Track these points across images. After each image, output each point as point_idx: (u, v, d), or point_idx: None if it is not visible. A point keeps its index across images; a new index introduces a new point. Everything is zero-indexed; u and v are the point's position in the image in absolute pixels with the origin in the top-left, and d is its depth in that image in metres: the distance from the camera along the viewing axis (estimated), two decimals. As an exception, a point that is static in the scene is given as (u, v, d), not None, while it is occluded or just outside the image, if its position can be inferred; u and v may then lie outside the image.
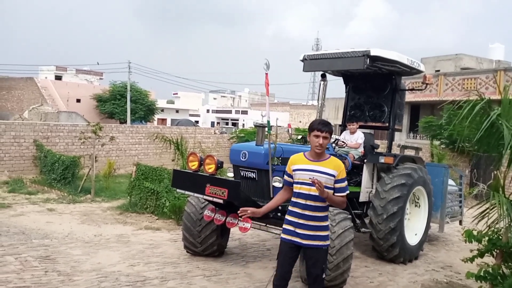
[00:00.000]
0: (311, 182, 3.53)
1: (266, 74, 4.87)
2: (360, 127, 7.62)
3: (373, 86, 7.48)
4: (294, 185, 3.71)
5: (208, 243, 5.86)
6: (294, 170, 3.71)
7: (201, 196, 4.93)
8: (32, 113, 28.22)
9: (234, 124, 47.82)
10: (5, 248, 5.87)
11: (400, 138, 25.35)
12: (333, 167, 3.66)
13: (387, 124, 7.29)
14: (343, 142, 7.08)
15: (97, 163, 12.17)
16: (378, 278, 5.82)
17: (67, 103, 34.93)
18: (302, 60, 6.95)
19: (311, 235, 3.64)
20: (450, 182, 8.21)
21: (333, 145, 6.86)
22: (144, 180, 8.87)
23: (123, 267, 5.48)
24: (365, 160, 6.81)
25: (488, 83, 20.61)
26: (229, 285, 5.11)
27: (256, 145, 5.41)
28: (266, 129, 5.17)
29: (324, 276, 3.78)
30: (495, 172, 4.90)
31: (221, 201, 4.72)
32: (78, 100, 36.57)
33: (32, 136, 12.84)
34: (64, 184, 10.95)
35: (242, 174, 5.58)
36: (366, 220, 6.53)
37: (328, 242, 3.77)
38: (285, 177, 3.85)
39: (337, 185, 3.66)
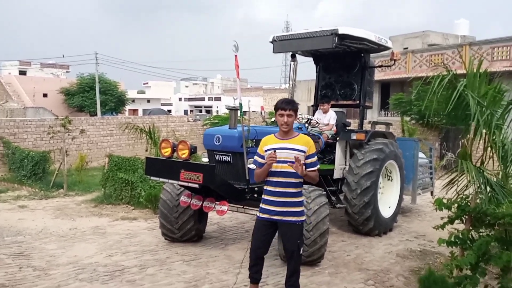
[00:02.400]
0: (282, 160, 3.69)
1: (236, 56, 4.82)
2: (332, 106, 7.71)
3: (342, 65, 7.54)
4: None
5: (186, 229, 5.85)
6: (266, 151, 3.82)
7: (176, 182, 4.90)
8: (-4, 110, 27.19)
9: (208, 112, 47.46)
10: (-24, 248, 5.71)
11: (372, 116, 25.77)
12: (303, 143, 3.81)
13: (358, 102, 7.39)
14: (316, 122, 7.14)
15: (68, 157, 11.90)
16: (355, 251, 5.96)
17: (33, 98, 33.83)
18: (271, 42, 6.94)
19: (284, 211, 3.78)
20: (421, 155, 8.43)
21: (306, 125, 6.91)
22: (117, 171, 8.74)
23: (101, 258, 5.42)
24: (338, 138, 6.89)
25: (455, 58, 21.12)
26: (209, 268, 5.13)
27: (229, 128, 5.39)
28: (239, 112, 5.14)
29: (301, 252, 3.90)
30: (462, 141, 5.06)
31: (196, 185, 4.70)
32: (45, 95, 35.46)
33: (-2, 133, 12.41)
34: (35, 180, 10.67)
35: (216, 158, 5.56)
36: (341, 196, 6.65)
37: (302, 218, 3.89)
38: (257, 158, 3.94)
39: (308, 160, 3.82)
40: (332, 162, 6.90)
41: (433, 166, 8.99)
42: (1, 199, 9.20)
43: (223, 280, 4.73)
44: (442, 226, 4.52)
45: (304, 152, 3.78)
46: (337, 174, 6.76)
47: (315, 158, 3.87)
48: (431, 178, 8.79)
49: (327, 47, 6.51)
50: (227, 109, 5.40)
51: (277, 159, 3.70)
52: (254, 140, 5.40)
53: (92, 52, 36.16)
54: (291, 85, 6.46)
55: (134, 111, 45.59)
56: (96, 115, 31.25)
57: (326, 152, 7.22)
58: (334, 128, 7.37)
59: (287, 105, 3.79)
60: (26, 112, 26.47)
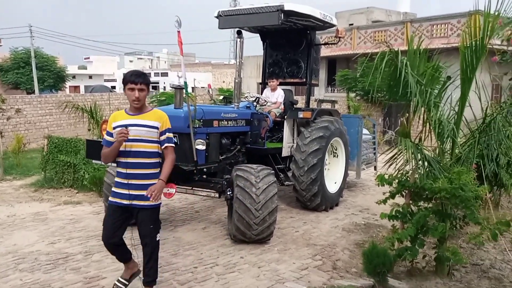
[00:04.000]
0: (132, 139, 3.46)
1: (178, 32, 4.64)
2: (280, 84, 7.73)
3: (289, 42, 7.55)
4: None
5: (133, 212, 5.70)
6: (115, 128, 3.50)
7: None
8: None
9: (154, 88, 46.16)
10: None
11: (319, 92, 26.24)
12: (155, 119, 3.56)
13: (304, 80, 7.46)
14: (264, 100, 7.14)
15: (4, 139, 11.16)
16: (303, 227, 6.13)
17: (-39, 74, 31.16)
18: (216, 17, 6.77)
19: (138, 195, 3.52)
20: (364, 131, 8.72)
21: (254, 103, 6.89)
22: (58, 153, 8.30)
23: (42, 246, 5.18)
24: (286, 117, 6.95)
25: (397, 35, 21.79)
26: (158, 251, 5.05)
27: (174, 108, 5.24)
28: (184, 90, 5.00)
29: (157, 238, 3.66)
30: (402, 119, 5.26)
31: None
32: (-25, 71, 32.74)
33: None
34: (-34, 165, 9.92)
35: (162, 139, 5.40)
36: (289, 174, 6.76)
37: (158, 202, 3.58)
38: (106, 136, 3.59)
39: (162, 137, 3.58)
40: (281, 140, 6.97)
41: (376, 142, 9.35)
42: None
43: (172, 263, 4.69)
44: (384, 201, 4.74)
45: (157, 128, 3.53)
46: (285, 152, 6.85)
47: (170, 134, 3.63)
48: (374, 154, 9.15)
49: (272, 24, 6.47)
50: (172, 87, 5.23)
51: (133, 137, 3.45)
52: (201, 120, 5.31)
53: (26, 24, 33.51)
54: (238, 63, 6.37)
55: (76, 88, 43.38)
56: (33, 92, 29.41)
57: (274, 130, 7.27)
58: (282, 106, 7.42)
59: (138, 78, 3.46)
60: (-47, 90, 24.43)
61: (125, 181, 3.53)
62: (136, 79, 3.45)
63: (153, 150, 3.56)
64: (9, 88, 31.53)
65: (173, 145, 3.67)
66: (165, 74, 51.90)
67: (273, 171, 5.41)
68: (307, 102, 7.59)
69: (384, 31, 22.55)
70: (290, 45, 7.56)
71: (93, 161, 5.19)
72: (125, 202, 3.56)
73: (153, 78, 53.04)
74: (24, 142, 11.08)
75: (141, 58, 71.75)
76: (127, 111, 3.60)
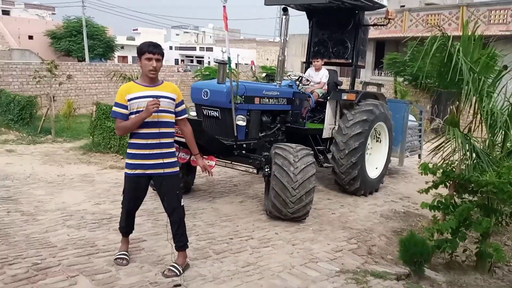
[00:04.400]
0: (161, 109, 3.46)
1: (224, 7, 4.65)
2: (324, 64, 7.60)
3: (336, 21, 7.35)
4: (133, 116, 3.51)
5: (174, 181, 5.87)
6: (130, 100, 3.48)
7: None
8: (-20, 50, 26.31)
9: (199, 62, 46.62)
10: (-38, 191, 5.70)
11: (365, 75, 25.57)
12: (172, 90, 3.63)
13: (350, 61, 7.29)
14: (307, 79, 7.06)
15: (56, 103, 11.68)
16: (340, 210, 6.11)
17: (18, 40, 32.68)
18: (264, -7, 6.68)
19: (159, 164, 3.59)
20: (411, 117, 8.48)
21: (297, 82, 6.83)
22: (105, 120, 8.63)
23: (89, 206, 5.47)
24: (328, 98, 6.85)
25: (451, 19, 20.76)
26: (196, 219, 5.21)
27: (217, 83, 5.29)
28: (228, 66, 5.03)
29: (182, 203, 3.77)
30: (451, 107, 5.06)
31: (183, 140, 4.68)
32: (31, 37, 34.27)
33: (-18, 75, 12.07)
34: (22, 125, 10.54)
35: (204, 113, 5.51)
36: (329, 156, 6.71)
37: (177, 169, 3.74)
38: (118, 109, 3.51)
39: (179, 108, 3.68)
40: (322, 121, 6.90)
41: (422, 129, 9.07)
42: (-12, 143, 9.10)
43: (209, 233, 4.83)
44: (426, 191, 4.63)
45: (174, 99, 3.61)
46: (326, 134, 6.78)
47: (184, 106, 3.74)
48: (419, 141, 8.89)
49: (320, 2, 6.33)
50: (216, 62, 5.27)
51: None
52: (243, 96, 5.34)
53: (79, -7, 34.42)
54: (282, 40, 6.29)
55: (124, 58, 44.56)
56: (84, 60, 30.46)
57: (316, 111, 7.20)
58: (326, 87, 7.31)
59: (155, 49, 3.47)
60: (12, 54, 25.70)
61: (147, 152, 3.55)
62: (154, 49, 3.47)
63: (173, 121, 3.67)
64: (61, 55, 32.81)
65: (186, 116, 3.82)
66: (210, 49, 52.11)
67: (312, 152, 5.39)
68: (352, 84, 7.43)
69: (438, 14, 21.53)
70: (337, 25, 7.37)
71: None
72: (149, 171, 3.60)
73: (198, 53, 53.56)
74: (74, 107, 11.60)
75: (187, 32, 72.23)
76: (140, 83, 3.58)
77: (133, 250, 4.18)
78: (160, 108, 3.47)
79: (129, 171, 3.65)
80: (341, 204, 6.36)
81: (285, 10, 6.35)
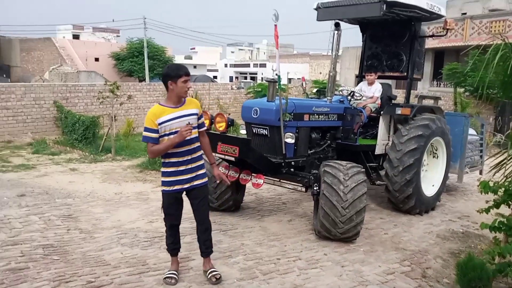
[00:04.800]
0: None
1: (275, 26, 4.70)
2: (378, 77, 7.42)
3: (391, 33, 7.17)
4: (166, 137, 3.71)
5: (224, 199, 5.95)
6: (160, 123, 3.68)
7: (213, 154, 4.95)
8: (52, 73, 28.50)
9: (253, 78, 47.32)
10: (29, 208, 6.12)
11: (423, 86, 24.63)
12: (195, 106, 3.87)
13: (405, 74, 7.05)
14: (359, 94, 6.91)
15: (117, 122, 12.34)
16: (393, 230, 5.85)
17: (85, 62, 35.09)
18: (315, 9, 6.67)
19: (194, 177, 3.88)
20: (471, 131, 8.01)
21: (349, 97, 6.71)
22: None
23: (142, 224, 5.66)
24: (382, 112, 6.65)
25: (518, 25, 19.52)
26: (244, 238, 5.22)
27: (267, 101, 5.32)
28: (277, 84, 5.06)
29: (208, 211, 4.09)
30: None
31: (232, 158, 4.75)
32: (97, 59, 36.67)
33: (52, 97, 13.02)
34: (85, 144, 11.19)
35: (254, 131, 5.54)
36: (382, 173, 6.48)
37: (207, 178, 4.04)
38: (149, 134, 3.69)
39: (200, 121, 3.92)
40: (375, 137, 6.70)
41: (484, 143, 8.52)
42: (55, 161, 9.75)
43: (257, 252, 4.81)
44: (487, 210, 4.30)
45: (197, 114, 3.85)
46: (379, 150, 6.57)
47: (203, 119, 4.00)
48: (481, 156, 8.35)
49: (374, 15, 6.19)
50: (266, 81, 5.32)
51: (178, 128, 3.67)
52: (292, 114, 5.32)
53: (141, 16, 36.52)
54: (334, 55, 6.22)
55: (181, 77, 46.18)
56: (144, 80, 32.04)
57: (369, 126, 7.01)
58: (379, 101, 7.11)
59: (188, 70, 3.78)
60: (79, 76, 27.54)
61: (183, 168, 3.82)
62: (188, 72, 3.75)
63: (197, 135, 3.93)
64: (124, 76, 34.79)
65: (206, 128, 4.09)
66: (263, 65, 52.84)
67: (363, 169, 5.23)
68: (407, 98, 7.17)
69: (503, 21, 20.34)
70: (392, 37, 7.18)
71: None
72: (186, 186, 3.87)
73: (252, 69, 54.46)
74: (133, 126, 12.17)
75: (242, 49, 73.88)
76: (167, 105, 3.77)
77: (182, 269, 4.26)
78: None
79: (167, 188, 3.89)
80: (395, 223, 6.09)
81: (337, 26, 6.29)
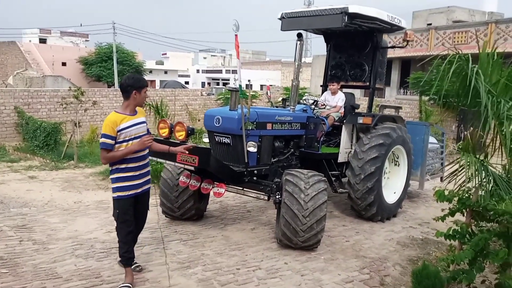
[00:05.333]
0: (139, 136, 3.94)
1: (236, 35, 4.70)
2: (342, 87, 7.51)
3: (354, 44, 7.29)
4: (124, 143, 3.89)
5: (186, 208, 5.86)
6: (120, 130, 3.86)
7: (173, 163, 4.87)
8: (16, 78, 27.55)
9: (225, 84, 47.23)
10: (-19, 219, 5.85)
11: (391, 94, 25.25)
12: (143, 115, 4.15)
13: (368, 84, 7.17)
14: (323, 104, 6.97)
15: (81, 129, 12.00)
16: (355, 237, 5.90)
17: (52, 67, 34.17)
18: (280, 19, 6.72)
19: (146, 181, 4.13)
20: (432, 139, 8.20)
21: (312, 106, 6.76)
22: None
23: (100, 234, 5.50)
24: (344, 121, 6.73)
25: (480, 37, 20.27)
26: (204, 248, 5.14)
27: (229, 110, 5.29)
28: (239, 93, 5.03)
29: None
30: (465, 132, 4.85)
31: (192, 168, 4.68)
32: (64, 64, 35.79)
33: (13, 103, 12.59)
34: (47, 151, 10.86)
35: (216, 140, 5.49)
36: (345, 180, 6.54)
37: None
38: (107, 140, 3.84)
39: (147, 127, 4.16)
40: (338, 145, 6.76)
41: (444, 151, 8.75)
42: (13, 169, 9.40)
43: (216, 262, 4.74)
44: (442, 218, 4.39)
45: (145, 122, 4.13)
46: (341, 158, 6.64)
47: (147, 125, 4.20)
48: (441, 164, 8.57)
49: (336, 26, 6.28)
50: (228, 90, 5.30)
51: (135, 135, 3.92)
52: (254, 123, 5.30)
53: (110, 21, 35.96)
54: (296, 65, 6.26)
55: (152, 82, 45.68)
56: (114, 85, 31.45)
57: (332, 134, 7.08)
58: (342, 110, 7.20)
59: (146, 82, 4.13)
60: (45, 81, 26.76)
61: (138, 173, 4.01)
62: (146, 83, 4.10)
63: None
64: (92, 81, 34.08)
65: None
66: (236, 71, 52.90)
67: (324, 178, 5.26)
68: (369, 107, 7.29)
69: (465, 32, 21.11)
70: (354, 48, 7.30)
71: (150, 157, 5.34)
72: (139, 190, 4.06)
73: (224, 75, 54.42)
74: (97, 132, 11.87)
75: (214, 55, 73.74)
76: (124, 112, 3.95)
77: (138, 281, 4.15)
78: (143, 133, 3.99)
79: (124, 194, 3.96)
80: (357, 231, 6.15)
81: (299, 36, 6.33)
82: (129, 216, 4.01)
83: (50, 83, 25.64)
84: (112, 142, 3.85)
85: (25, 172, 9.09)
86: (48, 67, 33.29)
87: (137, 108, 4.08)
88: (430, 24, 25.03)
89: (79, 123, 11.17)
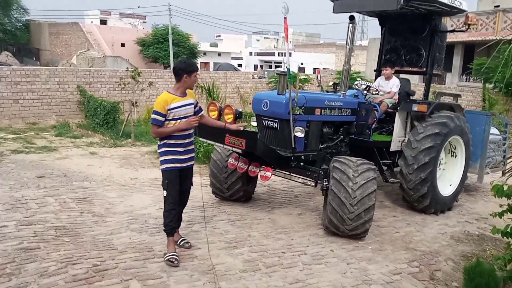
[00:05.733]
0: (189, 115, 4.24)
1: (285, 18, 4.65)
2: (397, 72, 7.24)
3: (410, 27, 6.97)
4: (173, 121, 4.20)
5: (234, 189, 5.98)
6: (170, 109, 4.16)
7: (222, 145, 4.97)
8: (79, 58, 29.05)
9: (278, 67, 46.97)
10: (47, 190, 6.31)
11: (452, 80, 23.99)
12: (192, 97, 4.38)
13: (424, 69, 6.86)
14: (376, 89, 6.77)
15: (138, 108, 12.48)
16: (405, 229, 5.75)
17: (112, 47, 35.54)
18: (332, 1, 6.54)
19: (190, 157, 4.41)
20: (493, 130, 7.75)
21: (365, 91, 6.58)
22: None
23: (153, 210, 5.74)
24: (398, 108, 6.51)
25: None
26: (251, 230, 5.24)
27: (277, 94, 5.28)
28: (287, 77, 5.00)
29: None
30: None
31: (239, 150, 4.75)
32: (123, 45, 37.07)
33: (75, 81, 13.28)
34: (106, 129, 11.42)
35: (264, 124, 5.52)
36: (397, 170, 6.36)
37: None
38: (158, 117, 4.16)
39: (196, 109, 4.41)
40: (391, 133, 6.57)
41: (507, 144, 8.23)
42: (76, 144, 9.99)
43: (262, 244, 4.82)
44: (500, 215, 4.18)
45: (193, 104, 4.35)
46: (394, 147, 6.44)
47: (199, 105, 4.49)
48: (503, 157, 8.09)
49: (390, 9, 6.03)
50: (276, 74, 5.27)
51: (184, 115, 4.21)
52: (302, 108, 5.26)
53: (166, 3, 36.61)
54: (348, 49, 6.09)
55: (206, 64, 46.43)
56: (169, 66, 32.26)
57: (385, 122, 6.88)
58: (396, 96, 6.96)
59: (197, 67, 4.36)
60: (106, 61, 27.98)
61: (183, 149, 4.30)
62: (197, 68, 4.33)
63: None
64: (149, 62, 35.12)
65: (203, 112, 4.56)
66: (289, 54, 52.38)
67: (374, 166, 5.15)
68: (426, 94, 6.99)
69: (539, 14, 19.45)
70: (411, 31, 6.98)
71: (200, 138, 5.49)
72: (184, 165, 4.35)
73: (277, 58, 54.06)
74: (153, 112, 12.28)
75: (267, 38, 73.37)
76: (174, 93, 4.24)
77: (186, 258, 4.31)
78: (190, 114, 4.26)
79: (170, 165, 4.28)
80: (408, 222, 5.99)
81: (351, 19, 6.15)
82: (175, 186, 4.31)
83: (110, 63, 26.78)
84: (162, 119, 4.17)
85: (86, 148, 9.64)
86: (108, 48, 34.71)
87: (187, 91, 4.33)
88: (498, 6, 23.33)
89: (136, 102, 11.63)
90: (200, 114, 4.47)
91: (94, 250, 4.35)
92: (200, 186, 6.32)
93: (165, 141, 4.30)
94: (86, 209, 5.64)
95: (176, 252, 4.28)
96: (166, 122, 4.20)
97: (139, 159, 9.00)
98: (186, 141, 4.33)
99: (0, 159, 8.00)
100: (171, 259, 4.16)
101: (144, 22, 50.13)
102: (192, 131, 4.42)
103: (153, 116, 4.21)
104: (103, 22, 46.17)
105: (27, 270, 3.85)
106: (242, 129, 4.77)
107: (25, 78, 12.30)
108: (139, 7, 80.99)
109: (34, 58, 36.09)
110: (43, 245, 4.40)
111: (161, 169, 4.36)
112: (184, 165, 4.35)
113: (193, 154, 4.49)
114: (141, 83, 12.48)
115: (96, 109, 11.85)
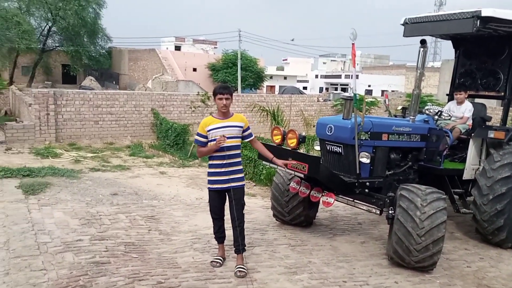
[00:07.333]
0: (228, 136, 4.32)
1: (353, 44, 4.65)
2: (471, 96, 6.89)
3: (487, 50, 6.63)
4: (211, 142, 4.37)
5: (295, 214, 5.96)
6: (209, 131, 4.37)
7: (284, 169, 5.01)
8: (154, 82, 30.93)
9: (344, 90, 46.50)
10: (119, 207, 6.72)
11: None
12: (240, 120, 4.53)
13: (502, 93, 6.46)
14: (448, 114, 6.47)
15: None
16: (478, 263, 5.36)
17: (184, 72, 37.45)
18: (402, 24, 6.43)
19: (232, 178, 4.44)
20: None
21: (436, 117, 6.32)
22: (243, 148, 9.23)
23: (216, 231, 5.87)
24: (472, 134, 6.16)
25: None
26: (312, 256, 5.17)
27: (343, 118, 5.24)
28: (353, 102, 4.96)
29: (244, 210, 4.59)
30: None
31: (302, 175, 4.76)
32: (195, 69, 38.93)
33: (150, 104, 14.16)
34: (176, 150, 11.98)
35: (328, 148, 5.48)
36: (470, 200, 5.98)
37: (244, 182, 4.60)
38: (199, 138, 4.45)
39: (246, 133, 4.56)
40: (463, 160, 6.22)
41: None
42: (147, 164, 10.56)
43: (323, 272, 4.73)
44: None
45: (241, 127, 4.48)
46: (467, 175, 6.08)
47: (250, 130, 4.61)
48: None
49: (466, 32, 5.79)
50: (342, 99, 5.26)
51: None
52: (369, 133, 5.16)
53: (236, 29, 38.13)
54: (418, 73, 5.91)
55: (271, 88, 47.21)
56: (237, 90, 33.25)
57: (457, 148, 6.53)
58: (470, 122, 6.60)
59: (224, 90, 4.39)
60: (178, 85, 29.51)
61: (222, 170, 4.43)
62: (223, 91, 4.39)
63: (239, 144, 4.55)
64: (218, 85, 36.40)
65: (253, 137, 4.70)
66: (355, 76, 51.69)
67: (444, 196, 4.89)
68: (504, 120, 6.55)
69: None
70: (488, 53, 6.64)
71: (263, 162, 5.58)
72: (225, 186, 4.46)
73: (343, 80, 53.61)
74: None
75: (334, 60, 73.12)
76: (215, 117, 4.49)
77: (246, 280, 4.35)
78: (229, 136, 4.35)
79: (210, 186, 4.58)
80: (481, 256, 5.57)
81: (422, 43, 5.98)
82: (215, 203, 4.59)
83: (182, 87, 28.19)
84: (202, 139, 4.45)
85: (157, 168, 10.15)
86: (181, 72, 36.62)
87: (235, 114, 4.58)
88: None
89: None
90: (250, 139, 4.63)
91: (159, 267, 4.54)
92: (267, 209, 6.39)
93: (209, 162, 4.58)
94: (153, 226, 5.92)
95: (221, 257, 4.74)
96: (208, 144, 4.43)
97: (205, 179, 9.14)
98: (224, 162, 4.42)
99: (80, 176, 8.67)
100: (213, 261, 4.67)
101: (215, 47, 52.37)
102: (234, 152, 4.47)
103: (195, 137, 4.54)
104: (177, 48, 48.91)
105: (98, 283, 4.10)
106: (286, 168, 4.82)
107: (106, 101, 13.34)
108: (210, 34, 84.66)
109: (114, 82, 39.06)
110: (113, 260, 4.67)
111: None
112: (225, 185, 4.46)
113: (237, 175, 4.51)
114: (210, 106, 13.01)
115: (167, 131, 12.50)
